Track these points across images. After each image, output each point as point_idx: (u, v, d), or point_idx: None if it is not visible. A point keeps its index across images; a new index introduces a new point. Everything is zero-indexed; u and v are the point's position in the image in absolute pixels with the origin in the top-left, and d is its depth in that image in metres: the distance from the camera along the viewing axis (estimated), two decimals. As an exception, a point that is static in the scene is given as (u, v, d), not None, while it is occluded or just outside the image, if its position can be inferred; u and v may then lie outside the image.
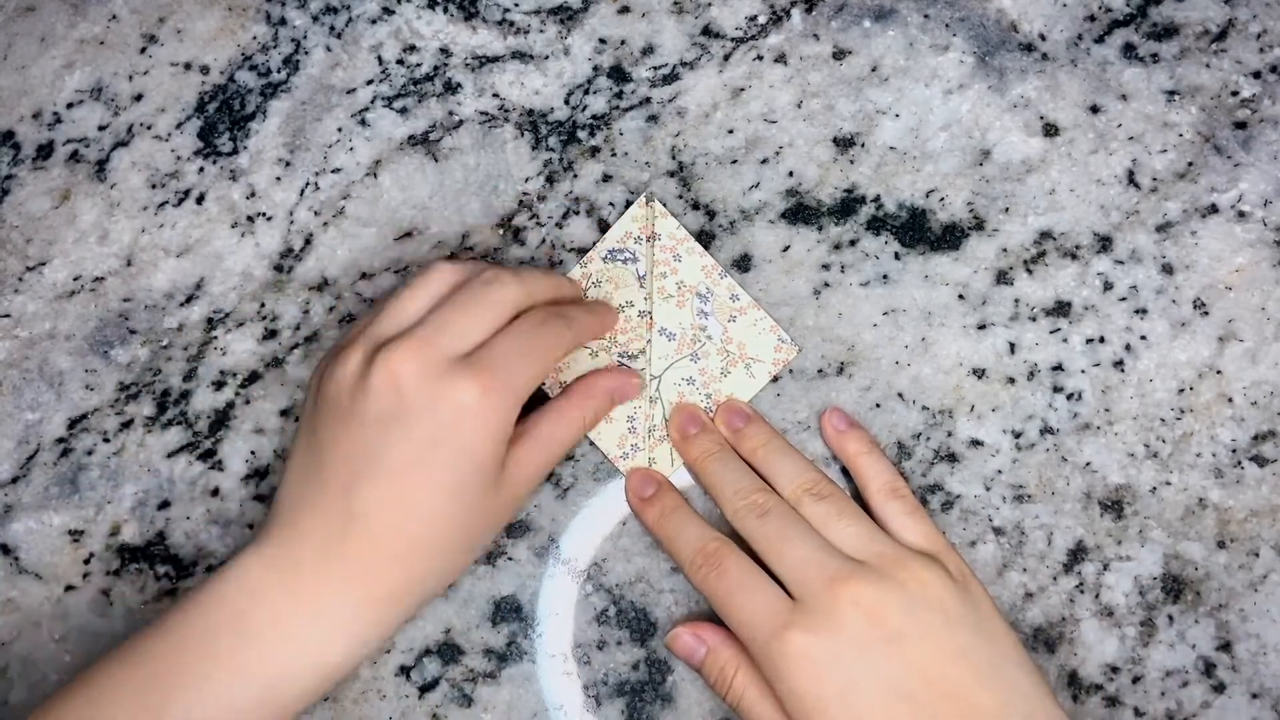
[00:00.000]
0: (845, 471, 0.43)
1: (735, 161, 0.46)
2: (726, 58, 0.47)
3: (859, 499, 0.42)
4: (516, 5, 0.48)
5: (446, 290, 0.39)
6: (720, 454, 0.43)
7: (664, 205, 0.46)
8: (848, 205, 0.46)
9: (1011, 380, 0.44)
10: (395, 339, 0.38)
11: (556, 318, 0.40)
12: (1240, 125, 0.45)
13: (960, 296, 0.45)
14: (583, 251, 0.46)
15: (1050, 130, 0.46)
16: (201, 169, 0.48)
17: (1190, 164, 0.45)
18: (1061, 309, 0.44)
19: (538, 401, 0.42)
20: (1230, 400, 0.43)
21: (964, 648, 0.36)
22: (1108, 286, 0.44)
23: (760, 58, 0.47)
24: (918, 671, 0.36)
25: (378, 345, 0.38)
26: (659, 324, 0.45)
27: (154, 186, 0.48)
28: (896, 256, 0.45)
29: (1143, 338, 0.44)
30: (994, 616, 0.38)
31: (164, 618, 0.37)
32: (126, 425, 0.46)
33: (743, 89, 0.47)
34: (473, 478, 0.37)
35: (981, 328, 0.44)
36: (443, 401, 0.37)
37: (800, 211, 0.46)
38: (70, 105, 0.49)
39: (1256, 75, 0.46)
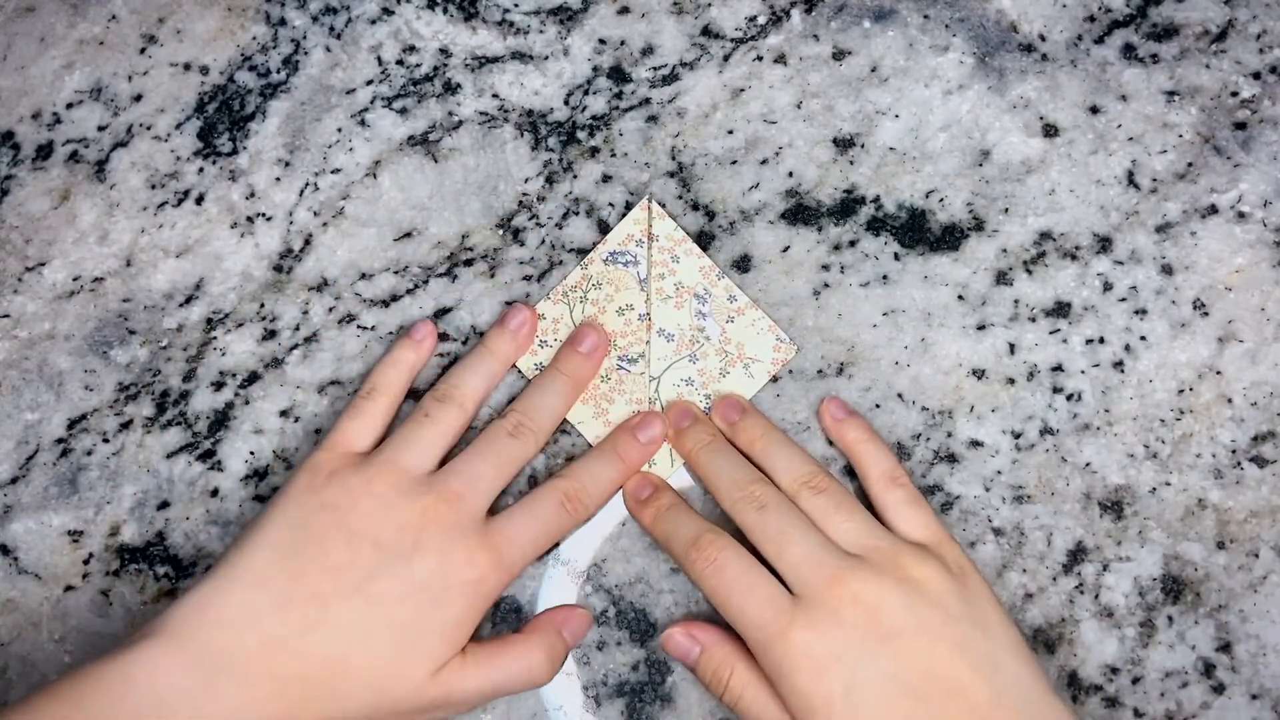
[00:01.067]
0: (849, 471, 0.43)
1: (735, 162, 0.46)
2: (726, 58, 0.47)
3: (860, 492, 0.42)
4: (516, 6, 0.48)
5: (471, 407, 0.42)
6: (714, 444, 0.42)
7: (663, 206, 0.46)
8: (847, 206, 0.46)
9: (1011, 381, 0.44)
10: (432, 481, 0.39)
11: (575, 502, 0.41)
12: (1240, 126, 0.45)
13: (960, 297, 0.45)
14: (583, 252, 0.46)
15: (1050, 131, 0.46)
16: (201, 169, 0.48)
17: (1190, 165, 0.45)
18: (1061, 309, 0.44)
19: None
20: (1230, 401, 0.43)
21: (962, 642, 0.36)
22: (1107, 287, 0.44)
23: (760, 58, 0.47)
24: (918, 667, 0.36)
25: (403, 474, 0.39)
26: (657, 325, 0.45)
27: (153, 187, 0.48)
28: (896, 257, 0.45)
29: (1142, 338, 0.44)
30: (992, 609, 0.38)
31: (54, 693, 0.34)
32: (126, 426, 0.46)
33: (742, 89, 0.47)
34: (433, 640, 0.38)
35: (981, 328, 0.44)
36: (454, 559, 0.38)
37: (800, 212, 0.46)
38: (70, 105, 0.49)
39: (1256, 76, 0.46)
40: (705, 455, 0.42)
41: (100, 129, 0.48)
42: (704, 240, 0.46)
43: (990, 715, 0.35)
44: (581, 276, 0.45)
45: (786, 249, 0.46)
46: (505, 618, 0.43)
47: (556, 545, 0.44)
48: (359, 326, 0.46)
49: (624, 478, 0.43)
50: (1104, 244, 0.45)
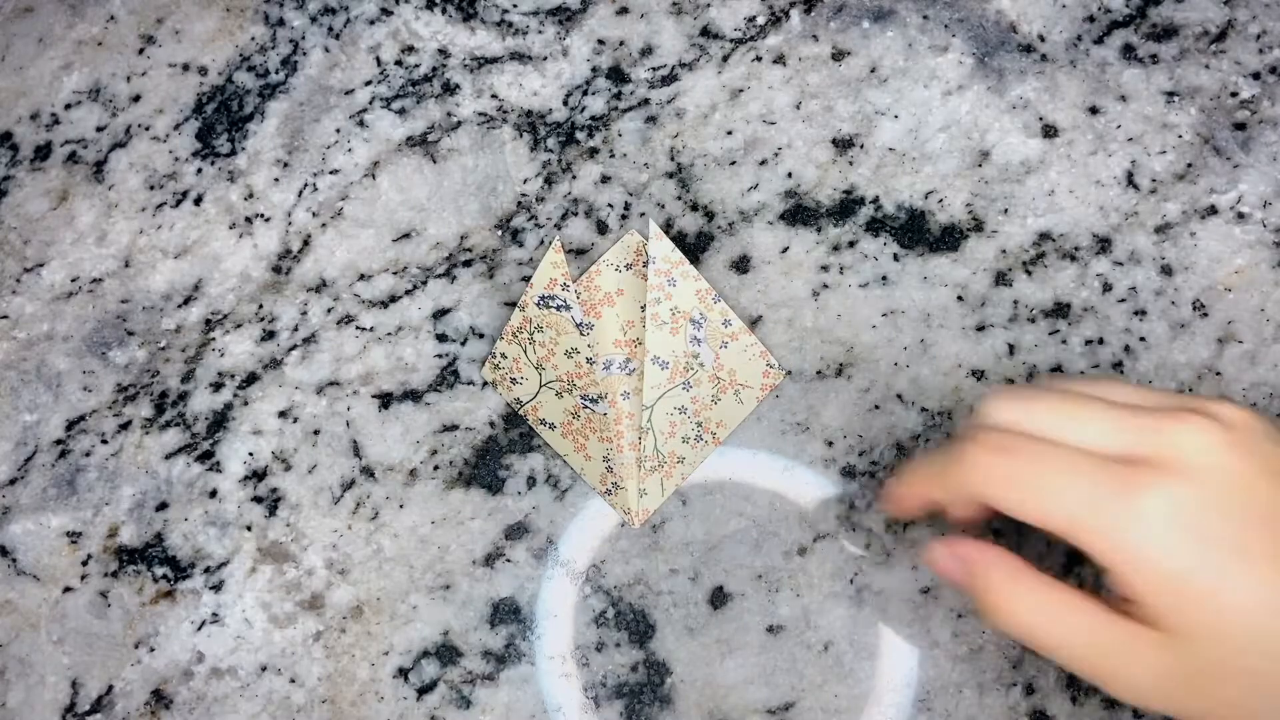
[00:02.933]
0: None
1: (734, 162, 0.46)
2: (725, 59, 0.47)
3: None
4: (515, 6, 0.48)
5: None
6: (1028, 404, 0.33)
7: (661, 208, 0.46)
8: (846, 206, 0.46)
9: (1011, 382, 0.44)
10: None
11: None
12: (1240, 126, 0.45)
13: (959, 298, 0.45)
14: (581, 253, 0.46)
15: (1049, 131, 0.46)
16: (199, 170, 0.48)
17: (1189, 165, 0.45)
18: (1060, 310, 0.44)
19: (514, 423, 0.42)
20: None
21: None
22: (1107, 288, 0.44)
23: (759, 59, 0.47)
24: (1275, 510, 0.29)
25: None
26: (652, 352, 0.44)
27: (152, 188, 0.48)
28: (895, 258, 0.45)
29: (1142, 339, 0.44)
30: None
31: None
32: (124, 427, 0.45)
33: (741, 90, 0.47)
34: None
35: (980, 329, 0.44)
36: None
37: (799, 213, 0.46)
38: (68, 106, 0.49)
39: (1256, 76, 0.46)
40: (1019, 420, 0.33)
41: (99, 130, 0.48)
42: (703, 241, 0.46)
43: None
44: (522, 319, 0.45)
45: (786, 250, 0.46)
46: (504, 619, 0.43)
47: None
48: (358, 327, 0.46)
49: None
50: (1103, 245, 0.45)
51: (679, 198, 0.46)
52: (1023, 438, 0.31)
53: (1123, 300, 0.44)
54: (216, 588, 0.44)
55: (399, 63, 0.48)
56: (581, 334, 0.44)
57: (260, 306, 0.46)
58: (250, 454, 0.45)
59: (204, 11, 0.49)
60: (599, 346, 0.45)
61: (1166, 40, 0.46)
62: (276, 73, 0.48)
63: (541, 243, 0.46)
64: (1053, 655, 0.31)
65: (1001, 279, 0.45)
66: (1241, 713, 0.29)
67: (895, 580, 0.42)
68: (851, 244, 0.45)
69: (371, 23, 0.49)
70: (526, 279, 0.46)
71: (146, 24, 0.49)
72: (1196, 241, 0.44)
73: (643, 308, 0.45)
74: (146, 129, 0.48)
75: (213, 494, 0.45)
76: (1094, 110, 0.46)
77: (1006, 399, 0.32)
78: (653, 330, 0.44)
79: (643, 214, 0.46)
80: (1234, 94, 0.45)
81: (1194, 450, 0.29)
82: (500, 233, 0.47)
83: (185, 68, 0.49)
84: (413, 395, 0.45)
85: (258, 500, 0.45)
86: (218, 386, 0.46)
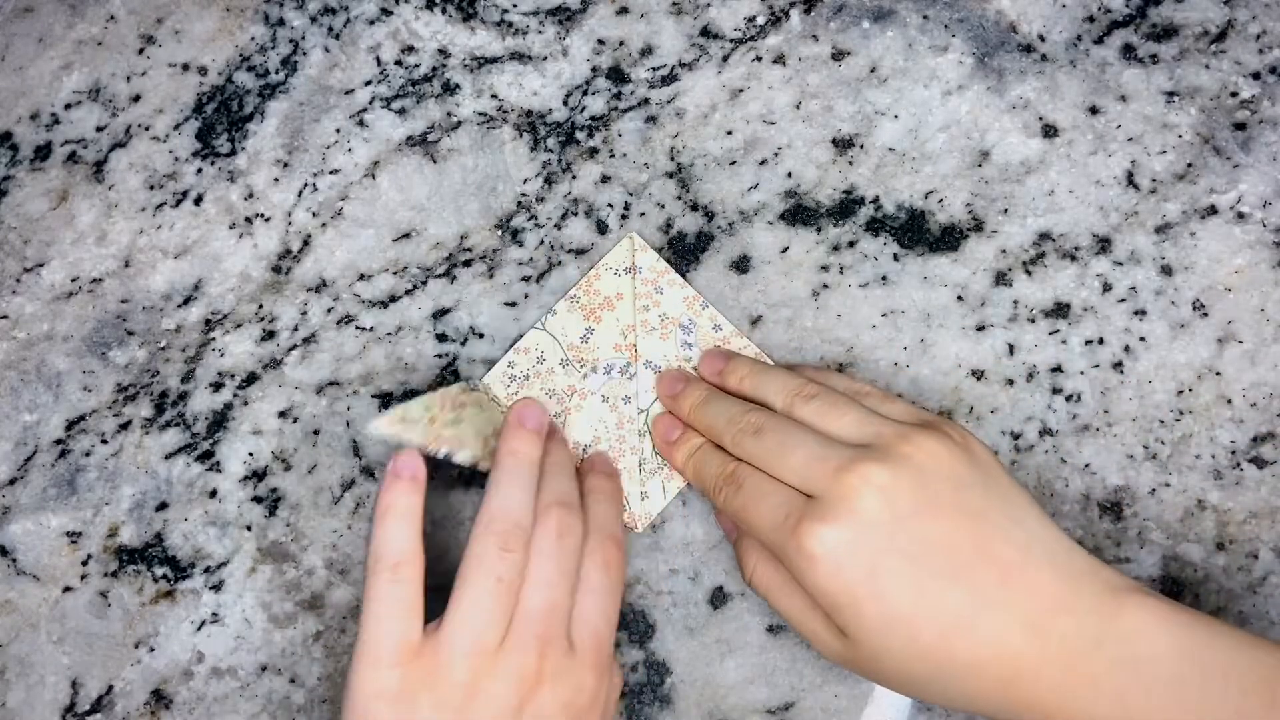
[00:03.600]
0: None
1: (734, 162, 0.46)
2: (725, 59, 0.47)
3: None
4: (515, 6, 0.48)
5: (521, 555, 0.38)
6: (706, 397, 0.42)
7: (661, 207, 0.46)
8: (846, 206, 0.46)
9: (1010, 382, 0.44)
10: (516, 637, 0.36)
11: (611, 554, 0.40)
12: (1239, 126, 0.45)
13: (959, 298, 0.45)
14: (581, 253, 0.46)
15: (1049, 131, 0.46)
16: (199, 170, 0.48)
17: (1189, 165, 0.45)
18: (1060, 310, 0.44)
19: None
20: (1229, 402, 0.43)
21: (978, 509, 0.35)
22: (1107, 288, 0.44)
23: (759, 59, 0.47)
24: (939, 543, 0.35)
25: (485, 656, 0.36)
26: (644, 357, 0.44)
27: (152, 188, 0.48)
28: (895, 258, 0.45)
29: (1142, 339, 0.44)
30: (1001, 474, 0.37)
31: None
32: (124, 427, 0.45)
33: (741, 90, 0.47)
34: None
35: (980, 329, 0.44)
36: (572, 698, 0.37)
37: (799, 213, 0.46)
38: (68, 106, 0.49)
39: (1256, 76, 0.46)
40: (701, 411, 0.42)
41: (99, 129, 0.48)
42: (703, 241, 0.46)
43: (1022, 574, 0.34)
44: (504, 384, 0.45)
45: (786, 250, 0.46)
46: (504, 619, 0.43)
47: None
48: (357, 327, 0.46)
49: (620, 508, 0.42)
50: (1103, 245, 0.45)
51: (679, 198, 0.46)
52: (748, 471, 0.39)
53: (1123, 300, 0.44)
54: (216, 588, 0.44)
55: (399, 63, 0.48)
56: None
57: (260, 306, 0.46)
58: (250, 454, 0.45)
59: (204, 11, 0.49)
60: (599, 351, 0.45)
61: (1166, 40, 0.46)
62: (276, 73, 0.48)
63: (542, 242, 0.46)
64: (771, 602, 0.39)
65: (1001, 279, 0.45)
66: (902, 690, 0.36)
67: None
68: (851, 244, 0.45)
69: (371, 23, 0.49)
70: (526, 279, 0.46)
71: (146, 24, 0.49)
72: (1196, 241, 0.44)
73: (643, 308, 0.45)
74: (146, 129, 0.48)
75: (213, 494, 0.45)
76: (1094, 110, 0.46)
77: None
78: (643, 336, 0.44)
79: (643, 214, 0.46)
80: (1234, 94, 0.45)
81: (857, 495, 0.35)
82: (500, 233, 0.47)
83: (185, 68, 0.49)
84: (413, 395, 0.45)
85: (258, 500, 0.45)
86: (218, 386, 0.46)
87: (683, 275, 0.45)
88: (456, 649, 0.35)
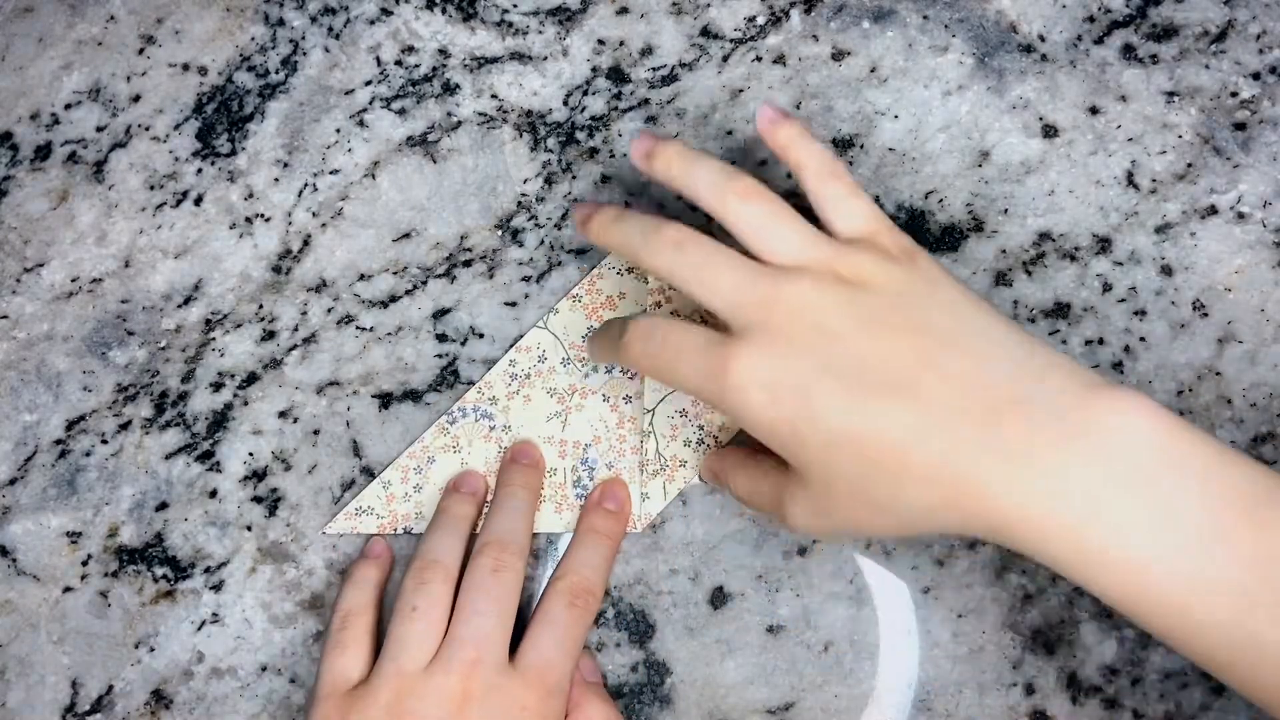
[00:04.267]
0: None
1: (734, 163, 0.46)
2: (725, 59, 0.47)
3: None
4: (515, 6, 0.48)
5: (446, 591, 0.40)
6: (618, 216, 0.38)
7: (661, 207, 0.46)
8: (846, 206, 0.46)
9: (1010, 382, 0.44)
10: (444, 662, 0.38)
11: (583, 596, 0.41)
12: (1239, 126, 0.45)
13: (959, 298, 0.45)
14: (581, 253, 0.46)
15: (1049, 131, 0.46)
16: (199, 170, 0.48)
17: (1189, 165, 0.45)
18: (1060, 310, 0.44)
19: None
20: (1229, 402, 0.43)
21: (921, 323, 0.33)
22: (1107, 288, 0.44)
23: (759, 59, 0.47)
24: (877, 358, 0.32)
25: (412, 678, 0.38)
26: None
27: (152, 188, 0.48)
28: (895, 258, 0.45)
29: (1142, 339, 0.44)
30: (948, 284, 0.34)
31: None
32: (124, 427, 0.45)
33: (741, 90, 0.47)
34: None
35: (980, 329, 0.44)
36: (500, 706, 0.38)
37: (800, 213, 0.46)
38: (68, 106, 0.49)
39: (1256, 76, 0.46)
40: (611, 231, 0.37)
41: (99, 130, 0.48)
42: (703, 241, 0.46)
43: (976, 378, 0.31)
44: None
45: (786, 250, 0.46)
46: (504, 619, 0.43)
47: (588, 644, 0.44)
48: (358, 327, 0.46)
49: (614, 553, 0.43)
50: (1103, 245, 0.45)
51: (679, 198, 0.46)
52: (658, 321, 0.35)
53: (1123, 300, 0.44)
54: (216, 588, 0.44)
55: (399, 63, 0.48)
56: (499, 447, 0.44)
57: (260, 306, 0.46)
58: (250, 454, 0.45)
59: (204, 11, 0.49)
60: None
61: (1166, 40, 0.46)
62: (276, 73, 0.48)
63: (542, 242, 0.46)
64: (750, 505, 0.39)
65: (1001, 279, 0.45)
66: (862, 525, 0.33)
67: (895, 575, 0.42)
68: (851, 244, 0.45)
69: (371, 23, 0.49)
70: (527, 279, 0.46)
71: (146, 24, 0.49)
72: (1196, 241, 0.44)
73: (644, 311, 0.45)
74: (146, 129, 0.48)
75: (213, 494, 0.45)
76: (1094, 110, 0.46)
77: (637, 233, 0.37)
78: None
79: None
80: (1234, 94, 0.45)
81: (785, 318, 0.33)
82: (500, 233, 0.47)
83: (185, 68, 0.49)
84: (413, 395, 0.45)
85: (258, 500, 0.45)
86: (218, 386, 0.46)
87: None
88: (380, 674, 0.38)
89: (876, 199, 0.46)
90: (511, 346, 0.45)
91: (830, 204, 0.36)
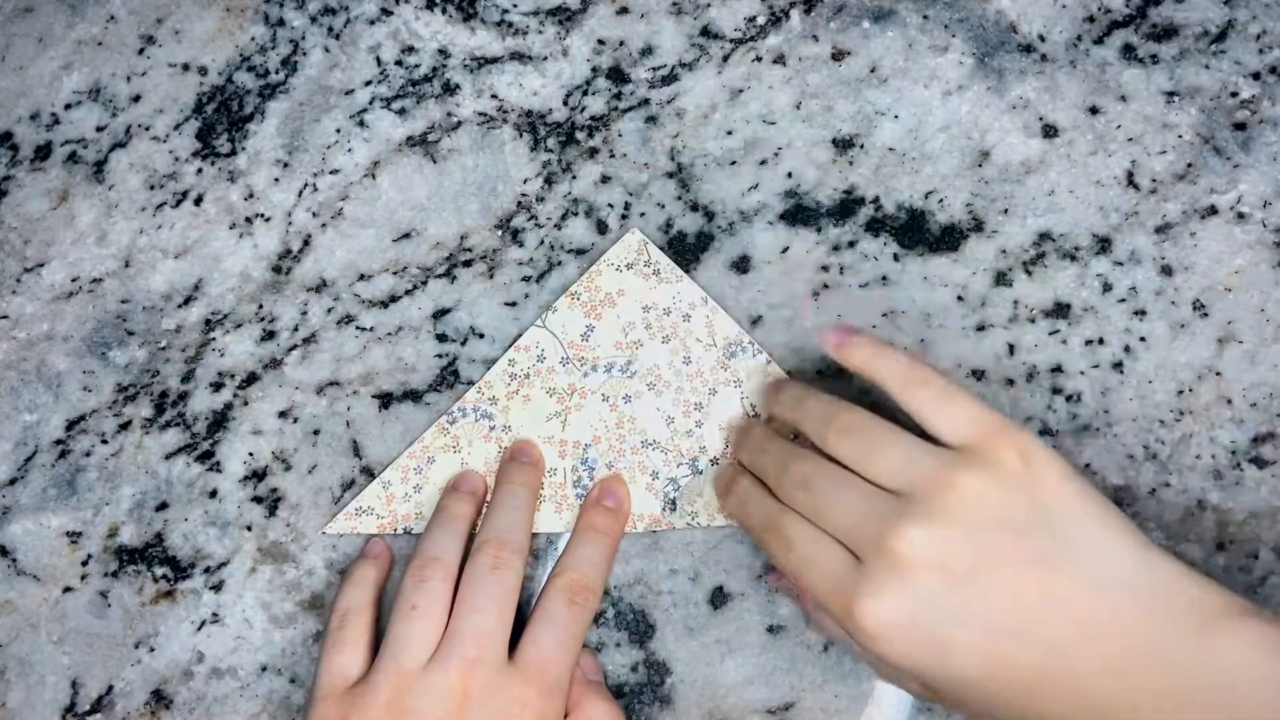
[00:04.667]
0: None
1: (734, 163, 0.46)
2: (725, 59, 0.47)
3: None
4: (515, 6, 0.48)
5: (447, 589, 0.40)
6: (759, 442, 0.41)
7: (661, 207, 0.46)
8: (846, 206, 0.46)
9: (1011, 382, 0.44)
10: (443, 660, 0.38)
11: (582, 593, 0.41)
12: (1239, 126, 0.45)
13: (959, 298, 0.45)
14: (581, 253, 0.46)
15: (1049, 131, 0.46)
16: (200, 170, 0.48)
17: (1189, 165, 0.45)
18: (1060, 310, 0.44)
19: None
20: (1229, 402, 0.43)
21: (1043, 553, 0.33)
22: (1107, 288, 0.44)
23: (759, 59, 0.47)
24: (1004, 601, 0.32)
25: (413, 676, 0.38)
26: (647, 360, 0.44)
27: (152, 188, 0.48)
28: (895, 258, 0.45)
29: (1142, 339, 0.44)
30: (1067, 497, 0.33)
31: None
32: (124, 427, 0.45)
33: (741, 90, 0.47)
34: None
35: (980, 329, 0.44)
36: (508, 716, 0.38)
37: (799, 213, 0.46)
38: (68, 106, 0.49)
39: (1256, 76, 0.45)
40: (753, 456, 0.40)
41: (99, 130, 0.48)
42: (703, 241, 0.46)
43: (1102, 617, 0.32)
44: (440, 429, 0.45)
45: (786, 250, 0.46)
46: (504, 619, 0.43)
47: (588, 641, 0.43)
48: (358, 327, 0.46)
49: (613, 550, 0.43)
50: (1103, 245, 0.45)
51: (679, 198, 0.46)
52: (799, 526, 0.36)
53: (1123, 300, 0.44)
54: (216, 588, 0.44)
55: (399, 63, 0.48)
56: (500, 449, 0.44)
57: (260, 306, 0.46)
58: (250, 454, 0.45)
59: (204, 11, 0.49)
60: (600, 349, 0.45)
61: (1166, 40, 0.46)
62: (276, 73, 0.48)
63: (542, 242, 0.46)
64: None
65: (1001, 279, 0.45)
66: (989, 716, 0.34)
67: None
68: (851, 244, 0.45)
69: (371, 23, 0.49)
70: (527, 279, 0.46)
71: (146, 24, 0.49)
72: (1196, 241, 0.44)
73: (644, 309, 0.45)
74: (146, 129, 0.48)
75: (213, 494, 0.45)
76: (1094, 110, 0.46)
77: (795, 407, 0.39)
78: (647, 340, 0.45)
79: (643, 214, 0.46)
80: (1234, 94, 0.45)
81: (906, 564, 0.33)
82: (500, 233, 0.47)
83: (185, 68, 0.49)
84: (413, 395, 0.45)
85: (258, 500, 0.45)
86: (218, 386, 0.46)
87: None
88: (380, 672, 0.38)
89: (876, 199, 0.46)
90: (510, 346, 0.45)
91: (928, 414, 0.36)
